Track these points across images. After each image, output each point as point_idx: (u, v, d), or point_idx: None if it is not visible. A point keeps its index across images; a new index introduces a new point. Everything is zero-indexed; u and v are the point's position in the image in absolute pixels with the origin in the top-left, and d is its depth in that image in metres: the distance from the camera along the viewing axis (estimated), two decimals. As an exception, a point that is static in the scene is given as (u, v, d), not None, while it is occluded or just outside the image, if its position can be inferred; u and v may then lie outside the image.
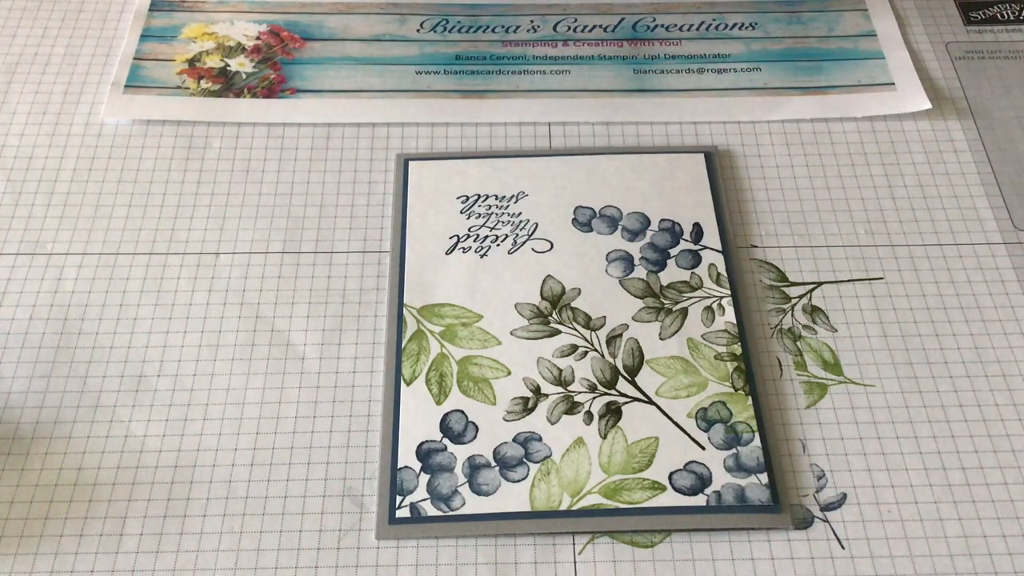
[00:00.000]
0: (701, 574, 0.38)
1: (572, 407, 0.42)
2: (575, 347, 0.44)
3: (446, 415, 0.42)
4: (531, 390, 0.43)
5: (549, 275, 0.46)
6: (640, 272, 0.46)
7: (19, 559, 0.38)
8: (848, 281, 0.47)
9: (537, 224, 0.48)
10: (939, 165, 0.51)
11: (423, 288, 0.46)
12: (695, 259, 0.47)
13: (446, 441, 0.41)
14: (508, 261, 0.47)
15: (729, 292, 0.46)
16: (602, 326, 0.45)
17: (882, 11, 0.58)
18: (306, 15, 0.57)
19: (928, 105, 0.53)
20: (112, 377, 0.43)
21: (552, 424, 0.42)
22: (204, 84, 0.54)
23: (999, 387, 0.43)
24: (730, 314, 0.45)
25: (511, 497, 0.40)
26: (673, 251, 0.47)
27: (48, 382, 0.43)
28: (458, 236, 0.47)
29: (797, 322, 0.45)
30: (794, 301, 0.46)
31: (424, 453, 0.41)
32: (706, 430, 0.42)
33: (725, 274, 0.46)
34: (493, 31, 0.57)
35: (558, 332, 0.44)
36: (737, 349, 0.44)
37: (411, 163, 0.50)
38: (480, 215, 0.48)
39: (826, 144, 0.52)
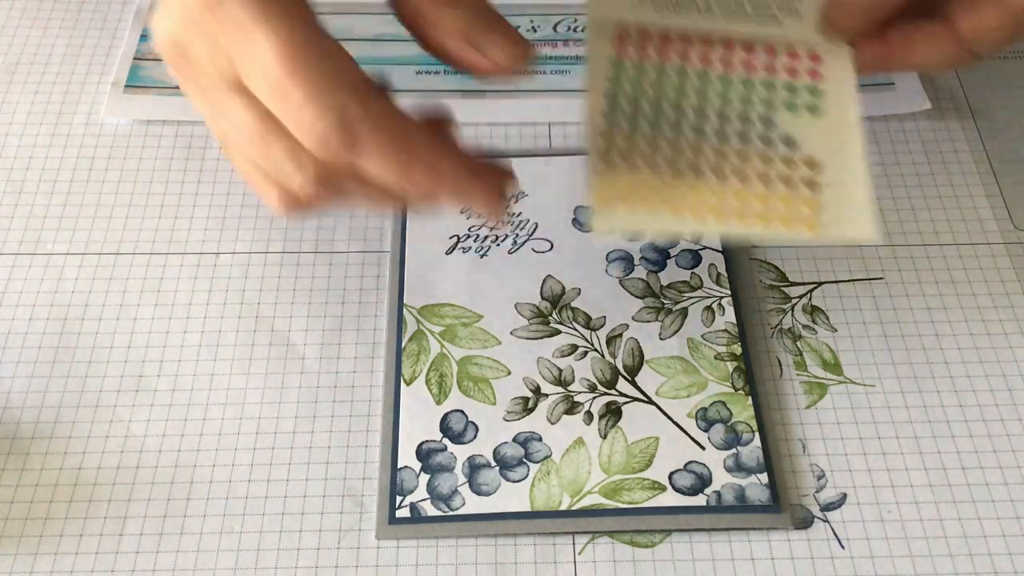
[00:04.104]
0: (701, 574, 0.38)
1: (572, 407, 0.42)
2: (575, 347, 0.44)
3: (446, 415, 0.42)
4: (531, 390, 0.43)
5: (549, 275, 0.46)
6: (640, 272, 0.46)
7: (19, 559, 0.38)
8: (848, 281, 0.47)
9: (537, 224, 0.48)
10: (939, 165, 0.51)
11: (423, 288, 0.46)
12: (695, 259, 0.47)
13: (446, 441, 0.41)
14: (508, 261, 0.47)
15: (729, 292, 0.46)
16: (602, 326, 0.45)
17: None
18: (306, 15, 0.57)
19: (928, 105, 0.53)
20: (112, 377, 0.43)
21: (552, 424, 0.42)
22: (204, 84, 0.54)
23: (999, 387, 0.43)
24: (730, 314, 0.45)
25: (511, 497, 0.40)
26: (673, 251, 0.47)
27: (48, 382, 0.43)
28: (458, 236, 0.47)
29: (797, 322, 0.45)
30: (794, 301, 0.46)
31: (424, 453, 0.41)
32: (706, 430, 0.42)
33: (725, 274, 0.46)
34: (493, 31, 0.57)
35: (558, 332, 0.44)
36: (737, 349, 0.44)
37: (411, 163, 0.50)
38: (480, 215, 0.48)
39: (826, 144, 0.52)
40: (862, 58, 0.39)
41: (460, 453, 0.41)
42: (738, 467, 0.40)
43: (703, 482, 0.40)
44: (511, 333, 0.44)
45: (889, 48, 0.38)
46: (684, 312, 0.45)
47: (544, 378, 0.43)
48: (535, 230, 0.48)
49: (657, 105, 0.39)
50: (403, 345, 0.44)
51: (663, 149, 0.38)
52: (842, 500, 0.40)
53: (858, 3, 0.38)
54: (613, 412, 0.42)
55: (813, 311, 0.46)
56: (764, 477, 0.40)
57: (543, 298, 0.45)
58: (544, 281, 0.46)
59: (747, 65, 0.40)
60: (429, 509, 0.39)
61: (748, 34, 0.40)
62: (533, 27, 0.57)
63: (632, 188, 0.37)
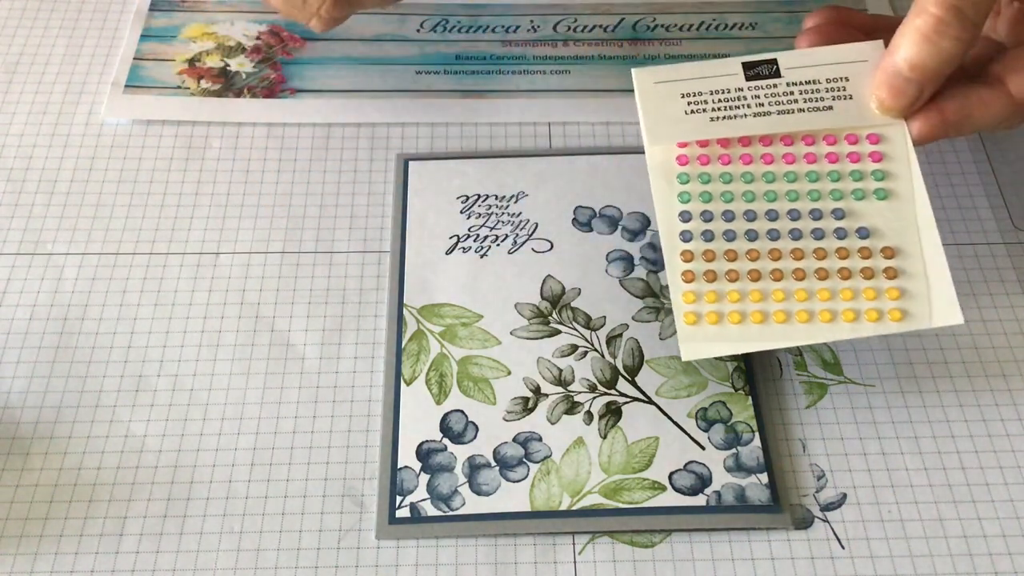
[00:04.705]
0: (701, 574, 0.38)
1: (572, 407, 0.42)
2: (575, 347, 0.44)
3: (446, 415, 0.42)
4: (531, 390, 0.43)
5: (549, 275, 0.46)
6: (640, 272, 0.46)
7: (19, 559, 0.38)
8: (848, 281, 0.47)
9: (537, 224, 0.48)
10: (939, 165, 0.51)
11: (423, 288, 0.46)
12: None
13: (446, 441, 0.41)
14: (508, 261, 0.47)
15: (729, 292, 0.46)
16: (602, 326, 0.45)
17: (882, 12, 0.58)
18: (306, 15, 0.57)
19: (928, 105, 0.53)
20: (112, 377, 0.43)
21: (552, 424, 0.42)
22: (204, 84, 0.54)
23: (999, 387, 0.43)
24: (730, 314, 0.45)
25: (511, 497, 0.40)
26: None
27: (48, 382, 0.43)
28: (458, 236, 0.47)
29: (797, 322, 0.45)
30: (794, 301, 0.46)
31: (424, 453, 0.41)
32: (706, 430, 0.42)
33: (725, 274, 0.46)
34: (493, 31, 0.57)
35: (558, 332, 0.44)
36: (737, 349, 0.44)
37: (411, 163, 0.50)
38: (480, 215, 0.48)
39: (826, 144, 0.52)
40: (919, 130, 0.40)
41: (460, 453, 0.41)
42: (738, 467, 0.40)
43: (703, 482, 0.40)
44: (511, 333, 0.44)
45: (944, 118, 0.39)
46: (684, 312, 0.45)
47: (544, 378, 0.43)
48: (535, 230, 0.48)
49: (729, 214, 0.40)
50: (403, 345, 0.44)
51: (741, 258, 0.40)
52: (842, 500, 0.40)
53: (907, 81, 0.38)
54: (613, 412, 0.42)
55: (813, 311, 0.46)
56: (764, 477, 0.40)
57: (543, 298, 0.45)
58: (544, 281, 0.46)
59: (811, 158, 0.41)
60: (429, 509, 0.39)
61: (806, 126, 0.40)
62: (533, 27, 0.57)
63: (716, 307, 0.39)
